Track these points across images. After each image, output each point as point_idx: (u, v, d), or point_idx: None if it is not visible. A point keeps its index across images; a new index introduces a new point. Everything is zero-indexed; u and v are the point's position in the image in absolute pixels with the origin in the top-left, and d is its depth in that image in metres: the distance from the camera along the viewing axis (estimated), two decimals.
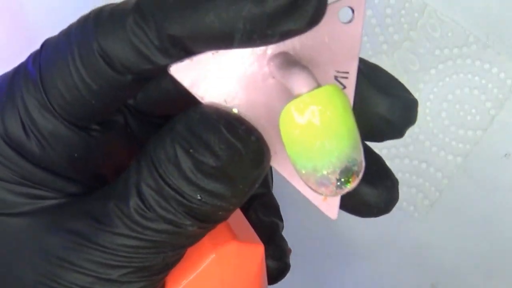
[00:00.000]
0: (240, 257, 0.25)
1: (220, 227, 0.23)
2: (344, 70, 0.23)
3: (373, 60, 0.45)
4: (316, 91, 0.20)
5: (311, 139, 0.19)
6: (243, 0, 0.19)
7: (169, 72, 0.21)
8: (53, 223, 0.22)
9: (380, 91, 0.24)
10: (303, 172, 0.20)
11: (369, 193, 0.25)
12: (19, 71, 0.23)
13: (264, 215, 0.31)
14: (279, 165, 0.23)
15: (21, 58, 0.24)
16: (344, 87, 0.23)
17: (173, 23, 0.20)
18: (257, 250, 0.26)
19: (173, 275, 0.24)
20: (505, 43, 0.45)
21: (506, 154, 0.47)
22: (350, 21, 0.22)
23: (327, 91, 0.20)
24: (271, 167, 0.32)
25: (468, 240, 0.49)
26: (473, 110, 0.46)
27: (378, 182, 0.25)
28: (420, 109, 0.49)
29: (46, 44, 0.23)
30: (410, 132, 0.48)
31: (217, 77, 0.22)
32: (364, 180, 0.25)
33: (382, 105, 0.24)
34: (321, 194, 0.20)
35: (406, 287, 0.51)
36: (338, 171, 0.20)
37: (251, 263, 0.26)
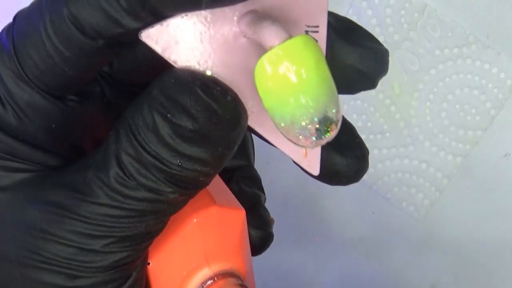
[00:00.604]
0: (221, 221, 0.25)
1: (201, 194, 0.24)
2: (314, 24, 0.23)
3: None
4: (288, 42, 0.20)
5: (287, 91, 0.20)
6: None
7: (140, 38, 0.21)
8: (33, 196, 0.22)
9: (350, 42, 0.25)
10: (282, 125, 0.20)
11: (339, 162, 0.25)
12: None
13: (246, 186, 0.31)
14: (256, 124, 0.24)
15: None
16: (316, 41, 0.23)
17: None
18: (238, 215, 0.26)
19: (154, 241, 0.24)
20: (505, 43, 0.45)
21: (506, 154, 0.47)
22: None
23: (299, 42, 0.20)
24: (252, 140, 0.33)
25: (468, 240, 0.49)
26: (473, 110, 0.46)
27: (348, 151, 0.26)
28: (420, 109, 0.49)
29: (18, 15, 0.23)
30: (410, 132, 0.48)
31: (189, 40, 0.22)
32: (335, 149, 0.25)
33: (352, 56, 0.25)
34: (301, 146, 0.21)
35: (406, 287, 0.51)
36: (316, 121, 0.20)
37: (232, 228, 0.26)
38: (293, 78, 0.20)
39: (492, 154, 0.47)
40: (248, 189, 0.31)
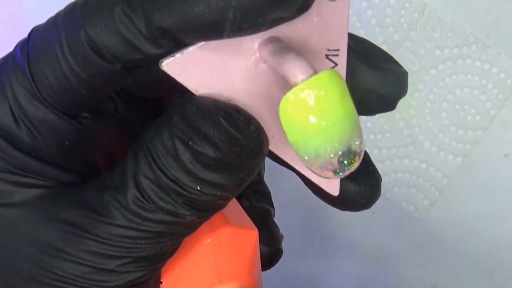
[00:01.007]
0: (235, 242, 0.25)
1: (215, 214, 0.24)
2: (335, 48, 0.23)
3: None
4: (313, 78, 0.20)
5: (311, 125, 0.20)
6: None
7: (161, 67, 0.21)
8: (49, 214, 0.22)
9: (370, 65, 0.25)
10: (306, 158, 0.20)
11: (351, 190, 0.25)
12: (7, 60, 0.23)
13: (256, 202, 0.31)
14: (277, 149, 0.24)
15: None
16: (336, 64, 0.23)
17: (162, 13, 0.19)
18: (251, 235, 0.26)
19: (168, 262, 0.24)
20: (505, 43, 0.45)
21: (506, 154, 0.47)
22: None
23: (324, 77, 0.20)
24: None
25: (468, 240, 0.49)
26: (473, 110, 0.46)
27: (361, 179, 0.26)
28: (420, 109, 0.49)
29: (33, 32, 0.22)
30: (410, 132, 0.48)
31: (209, 68, 0.22)
32: (348, 176, 0.25)
33: (373, 81, 0.25)
34: (325, 177, 0.21)
35: (406, 287, 0.51)
36: (340, 154, 0.20)
37: (245, 248, 0.26)
38: (318, 113, 0.20)
39: (492, 154, 0.47)
40: (258, 205, 0.31)
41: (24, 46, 0.22)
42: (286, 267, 0.50)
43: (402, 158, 0.48)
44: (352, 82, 0.24)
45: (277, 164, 0.26)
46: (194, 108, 0.21)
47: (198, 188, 0.21)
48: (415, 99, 0.45)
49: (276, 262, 0.31)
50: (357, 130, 0.21)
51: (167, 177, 0.21)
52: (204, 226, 0.24)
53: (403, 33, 0.45)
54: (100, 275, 0.22)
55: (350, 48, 0.24)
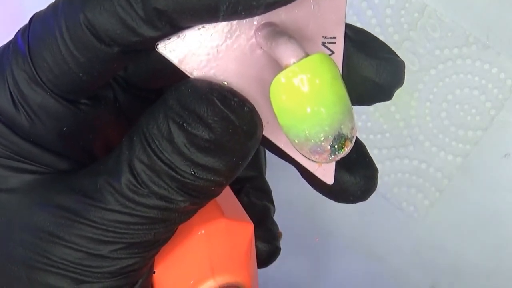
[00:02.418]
0: (229, 234, 0.25)
1: (210, 205, 0.24)
2: (331, 36, 0.23)
3: None
4: (304, 60, 0.20)
5: (302, 109, 0.20)
6: None
7: (157, 50, 0.21)
8: (43, 199, 0.23)
9: (367, 54, 0.25)
10: (296, 141, 0.20)
11: (347, 181, 0.25)
12: (8, 46, 0.23)
13: (256, 198, 0.31)
14: (271, 135, 0.24)
15: None
16: (332, 52, 0.23)
17: None
18: (246, 228, 0.26)
19: (161, 250, 0.24)
20: (505, 43, 0.45)
21: (506, 154, 0.47)
22: None
23: (315, 60, 0.20)
24: (264, 151, 0.33)
25: (468, 240, 0.49)
26: (473, 110, 0.46)
27: (357, 170, 0.26)
28: (420, 109, 0.49)
29: (34, 18, 0.23)
30: (410, 132, 0.48)
31: (205, 52, 0.22)
32: (344, 167, 0.25)
33: (369, 69, 0.25)
34: (315, 161, 0.21)
35: (406, 287, 0.51)
36: (331, 138, 0.20)
37: (240, 241, 0.26)
38: (308, 96, 0.20)
39: (492, 154, 0.47)
40: (257, 201, 0.31)
41: (25, 31, 0.23)
42: (285, 267, 0.50)
43: (402, 158, 0.48)
44: (348, 70, 0.24)
45: (277, 163, 0.26)
46: (189, 90, 0.21)
47: (192, 172, 0.21)
48: (415, 99, 0.45)
49: (273, 260, 0.31)
50: (349, 115, 0.20)
51: (162, 161, 0.21)
52: (198, 217, 0.24)
53: (403, 33, 0.45)
54: (92, 261, 0.22)
55: (347, 37, 0.24)
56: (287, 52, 0.20)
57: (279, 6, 0.20)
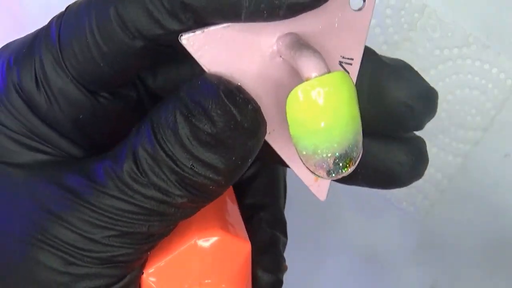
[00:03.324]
0: (223, 248, 0.25)
1: (209, 214, 0.23)
2: (349, 57, 0.24)
3: None
4: (325, 76, 0.20)
5: (316, 122, 0.20)
6: None
7: (180, 41, 0.22)
8: (49, 177, 0.23)
9: (398, 76, 0.25)
10: (304, 153, 0.21)
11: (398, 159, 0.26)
12: (42, 30, 0.24)
13: (267, 226, 0.31)
14: (274, 143, 0.24)
15: None
16: (348, 73, 0.24)
17: None
18: (242, 246, 0.26)
19: (153, 254, 0.24)
20: (505, 43, 0.45)
21: (506, 154, 0.47)
22: (360, 9, 0.23)
23: (337, 77, 0.20)
24: (285, 182, 0.33)
25: (468, 240, 0.49)
26: (473, 111, 0.46)
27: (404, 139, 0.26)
28: None
29: (69, 7, 0.24)
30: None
31: (226, 51, 0.22)
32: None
33: (401, 90, 0.25)
34: (317, 176, 0.21)
35: (406, 287, 0.51)
36: (337, 155, 0.21)
37: (233, 258, 0.26)
38: (324, 111, 0.20)
39: (492, 154, 0.47)
40: (267, 229, 0.31)
41: (59, 17, 0.23)
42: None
43: None
44: (378, 92, 0.25)
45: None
46: (199, 82, 0.22)
47: (191, 166, 0.21)
48: None
49: None
50: (358, 137, 0.21)
51: (164, 151, 0.21)
52: (195, 225, 0.24)
53: (403, 33, 0.45)
54: (84, 244, 0.22)
55: (378, 60, 0.24)
56: (310, 65, 0.20)
57: (301, 10, 0.20)
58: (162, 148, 0.21)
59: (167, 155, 0.21)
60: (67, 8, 0.24)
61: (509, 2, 0.45)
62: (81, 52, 0.22)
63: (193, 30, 0.22)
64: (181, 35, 0.21)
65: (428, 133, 0.48)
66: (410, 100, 0.25)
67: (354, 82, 0.24)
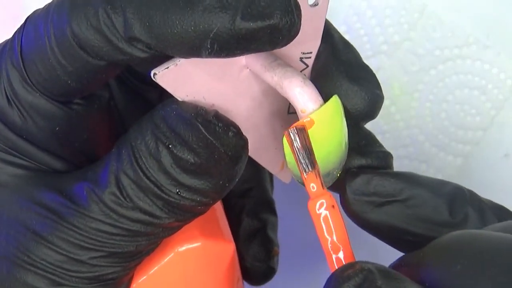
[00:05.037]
0: (206, 254, 0.25)
1: (190, 223, 0.23)
2: (308, 51, 0.24)
3: (373, 60, 0.45)
4: (321, 109, 0.21)
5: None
6: (214, 19, 0.18)
7: (154, 79, 0.21)
8: (32, 197, 0.23)
9: (360, 86, 0.24)
10: (294, 173, 0.22)
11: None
12: (7, 43, 0.23)
13: (253, 212, 0.30)
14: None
15: None
16: (307, 66, 0.24)
17: (141, 28, 0.19)
18: (225, 249, 0.26)
19: (136, 268, 0.24)
20: (505, 43, 0.45)
21: (506, 154, 0.47)
22: (316, 4, 0.23)
23: (331, 108, 0.21)
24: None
25: None
26: (473, 111, 0.46)
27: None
28: (420, 109, 0.49)
29: (29, 19, 0.23)
30: (409, 132, 0.48)
31: (197, 78, 0.22)
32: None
33: (361, 101, 0.24)
34: (300, 183, 0.22)
35: None
36: (326, 173, 0.22)
37: (218, 262, 0.26)
38: (322, 143, 0.21)
39: (492, 155, 0.47)
40: (252, 218, 0.31)
41: (20, 32, 0.23)
42: (285, 266, 0.50)
43: (402, 158, 0.48)
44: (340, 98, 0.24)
45: None
46: (175, 112, 0.21)
47: (178, 192, 0.21)
48: (415, 99, 0.45)
49: (268, 279, 0.30)
50: (343, 161, 0.22)
51: (148, 178, 0.21)
52: (176, 234, 0.23)
53: (403, 33, 0.45)
54: (71, 265, 0.22)
55: (335, 57, 0.24)
56: (304, 97, 0.21)
57: (262, 51, 0.20)
58: (146, 175, 0.21)
59: (151, 181, 0.21)
60: (26, 20, 0.23)
61: (509, 2, 0.45)
62: (46, 71, 0.22)
63: (166, 65, 0.21)
64: (155, 73, 0.21)
65: (428, 133, 0.48)
66: (369, 107, 0.25)
67: (309, 72, 0.25)
